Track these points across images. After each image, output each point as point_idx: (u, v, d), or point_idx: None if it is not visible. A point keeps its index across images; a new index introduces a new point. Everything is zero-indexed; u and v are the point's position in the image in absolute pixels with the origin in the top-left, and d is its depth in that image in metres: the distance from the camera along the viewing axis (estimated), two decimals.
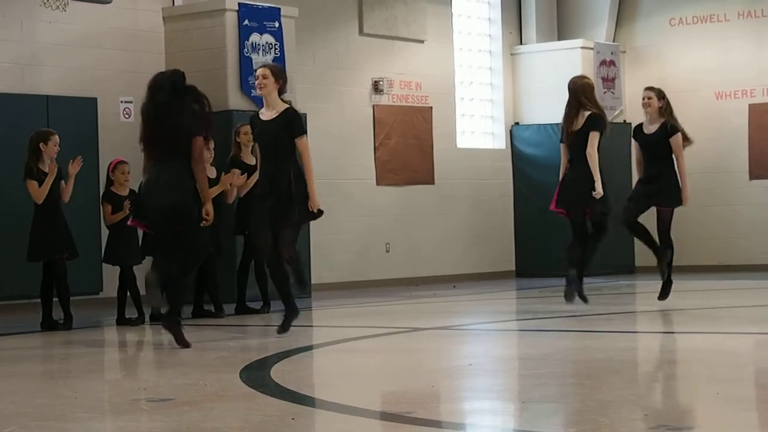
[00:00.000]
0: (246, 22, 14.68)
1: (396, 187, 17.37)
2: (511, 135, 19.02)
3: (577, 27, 19.27)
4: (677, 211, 12.04)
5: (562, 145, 11.99)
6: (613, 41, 19.27)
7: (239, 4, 14.65)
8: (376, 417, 6.19)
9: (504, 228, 18.86)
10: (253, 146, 12.33)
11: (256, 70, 10.40)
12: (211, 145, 11.36)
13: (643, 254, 18.25)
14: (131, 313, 11.69)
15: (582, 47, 18.57)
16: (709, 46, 18.79)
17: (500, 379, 7.67)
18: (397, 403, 6.66)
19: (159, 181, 9.27)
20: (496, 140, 19.08)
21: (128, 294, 11.71)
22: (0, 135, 13.18)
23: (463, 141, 18.55)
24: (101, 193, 12.24)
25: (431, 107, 17.81)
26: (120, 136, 13.96)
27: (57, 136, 11.23)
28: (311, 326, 10.19)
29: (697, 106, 18.26)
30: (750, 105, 18.46)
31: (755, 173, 18.43)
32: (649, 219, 12.04)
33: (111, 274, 12.70)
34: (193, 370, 8.12)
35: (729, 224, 18.58)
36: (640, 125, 12.06)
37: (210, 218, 9.30)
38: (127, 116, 14.50)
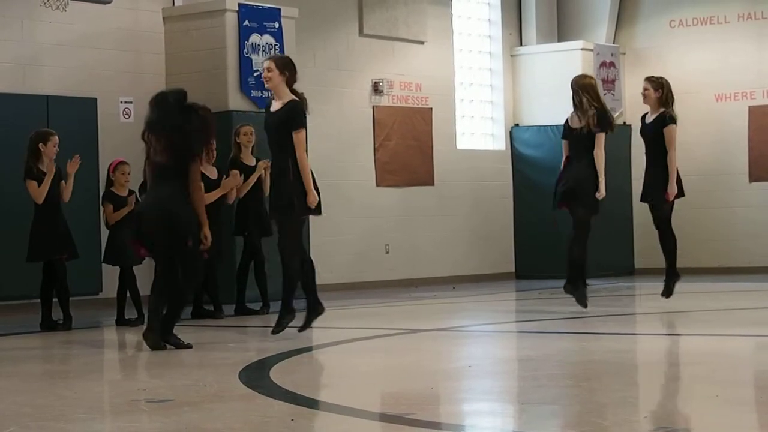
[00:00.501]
0: (246, 22, 14.67)
1: (396, 189, 17.36)
2: (511, 136, 19.01)
3: (577, 28, 19.26)
4: (676, 210, 12.01)
5: (563, 141, 11.94)
6: (613, 43, 19.26)
7: (239, 4, 14.65)
8: (376, 418, 6.20)
9: (504, 229, 18.84)
10: (253, 146, 12.39)
11: (260, 67, 10.35)
12: (213, 146, 11.32)
13: (643, 256, 18.34)
14: (131, 313, 11.70)
15: (582, 49, 18.55)
16: (709, 48, 18.77)
17: (499, 380, 7.67)
18: (397, 404, 6.66)
19: (159, 195, 9.33)
20: (496, 141, 19.07)
21: (128, 294, 11.72)
22: (0, 135, 13.19)
23: (463, 142, 18.54)
24: (101, 194, 12.25)
25: (431, 108, 17.80)
26: (120, 136, 13.96)
27: (56, 137, 11.23)
28: (311, 327, 10.20)
29: (697, 108, 18.25)
30: (750, 107, 18.43)
31: (755, 175, 18.41)
32: (648, 219, 12.05)
33: (111, 275, 12.70)
34: (193, 371, 8.13)
35: (729, 226, 18.55)
36: (644, 115, 12.03)
37: (207, 243, 9.35)
38: (127, 116, 14.49)
